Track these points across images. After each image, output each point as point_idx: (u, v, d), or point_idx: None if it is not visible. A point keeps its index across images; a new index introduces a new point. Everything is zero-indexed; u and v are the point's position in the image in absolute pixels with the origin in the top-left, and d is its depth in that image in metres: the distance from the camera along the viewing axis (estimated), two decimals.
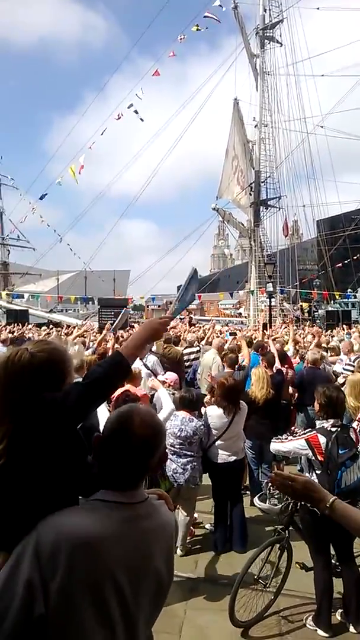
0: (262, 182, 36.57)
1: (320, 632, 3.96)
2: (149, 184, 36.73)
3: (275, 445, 4.33)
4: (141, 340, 2.02)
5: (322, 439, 3.97)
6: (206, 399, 6.20)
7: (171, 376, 6.44)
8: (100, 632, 1.58)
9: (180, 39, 33.36)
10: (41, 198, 35.14)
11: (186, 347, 10.34)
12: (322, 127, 37.09)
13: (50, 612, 1.50)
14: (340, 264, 40.60)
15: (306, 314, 37.89)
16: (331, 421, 4.07)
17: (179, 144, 36.47)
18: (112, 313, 26.48)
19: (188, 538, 5.38)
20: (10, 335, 12.69)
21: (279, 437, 4.36)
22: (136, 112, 32.88)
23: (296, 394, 8.00)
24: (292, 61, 36.84)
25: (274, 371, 6.95)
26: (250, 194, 36.09)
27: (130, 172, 37.41)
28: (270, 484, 4.38)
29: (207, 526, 5.81)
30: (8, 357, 1.80)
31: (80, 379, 1.82)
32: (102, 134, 34.15)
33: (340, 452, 3.89)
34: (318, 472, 4.00)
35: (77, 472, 1.79)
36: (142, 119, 33.02)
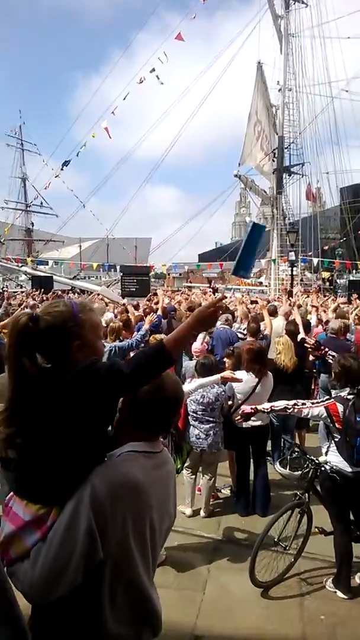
0: (286, 148, 35.77)
1: (340, 594, 4.07)
2: (174, 145, 36.04)
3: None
4: (186, 331, 1.81)
5: (340, 407, 4.02)
6: (226, 364, 6.26)
7: (198, 346, 6.48)
8: (144, 567, 1.82)
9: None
10: (64, 165, 34.84)
11: None
12: (347, 91, 35.89)
13: (108, 556, 1.68)
14: None
15: (327, 284, 37.43)
16: (347, 389, 4.11)
17: (205, 109, 35.65)
18: (135, 281, 26.54)
19: (211, 500, 5.53)
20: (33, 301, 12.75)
21: (299, 402, 4.39)
22: (157, 77, 32.24)
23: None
24: (317, 23, 35.45)
25: (298, 340, 6.95)
26: (274, 160, 35.35)
27: (155, 137, 36.80)
28: (291, 450, 4.46)
29: (223, 490, 5.97)
30: (11, 322, 1.88)
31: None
32: (124, 98, 33.59)
33: (357, 419, 3.93)
34: (337, 439, 4.06)
35: (102, 434, 1.88)
36: (162, 82, 32.34)
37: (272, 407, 4.39)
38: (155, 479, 1.87)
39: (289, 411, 4.31)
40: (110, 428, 1.95)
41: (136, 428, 1.92)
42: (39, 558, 1.67)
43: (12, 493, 1.86)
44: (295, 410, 4.26)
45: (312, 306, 10.72)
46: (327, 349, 6.97)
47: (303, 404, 4.28)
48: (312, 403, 4.30)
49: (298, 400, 4.33)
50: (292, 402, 4.29)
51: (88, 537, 1.63)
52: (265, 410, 4.45)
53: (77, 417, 1.70)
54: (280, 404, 4.35)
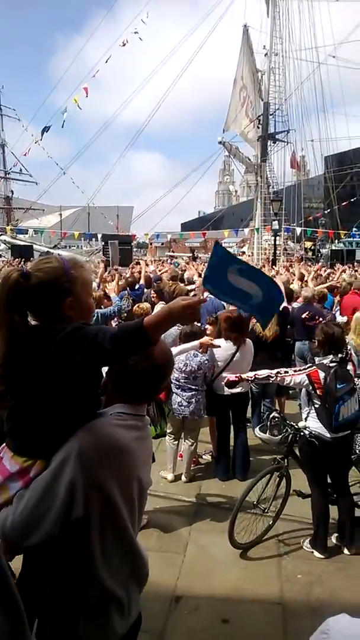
0: (271, 115, 35.32)
1: (317, 554, 4.19)
2: (157, 110, 35.33)
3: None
4: (165, 319, 1.69)
5: (322, 374, 4.07)
6: (208, 331, 6.27)
7: None
8: (129, 524, 1.83)
9: None
10: (44, 131, 33.99)
11: (186, 285, 10.33)
12: (334, 57, 35.41)
13: (93, 512, 1.70)
14: (346, 203, 39.79)
15: (310, 253, 37.51)
16: (330, 357, 4.15)
17: (190, 73, 34.79)
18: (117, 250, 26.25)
19: (192, 466, 5.62)
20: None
21: (282, 371, 4.42)
22: (136, 32, 31.40)
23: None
24: None
25: (280, 309, 6.98)
26: (258, 127, 34.91)
27: (138, 102, 36.04)
28: (271, 416, 4.52)
29: (204, 456, 6.06)
30: (1, 279, 1.83)
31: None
32: (106, 61, 32.71)
33: (338, 386, 3.99)
34: (317, 405, 4.13)
35: (91, 394, 1.87)
36: (140, 38, 31.55)
37: (256, 376, 4.43)
38: (140, 440, 1.89)
39: (272, 380, 4.36)
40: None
41: (121, 393, 1.91)
42: (20, 503, 1.70)
43: (4, 444, 1.87)
44: (278, 378, 4.31)
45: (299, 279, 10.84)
46: (321, 319, 7.10)
47: (285, 372, 4.32)
48: (295, 371, 4.35)
49: (281, 369, 4.36)
50: (275, 370, 4.33)
51: (69, 493, 1.65)
52: (249, 379, 4.49)
53: (62, 379, 1.69)
54: (263, 372, 4.39)
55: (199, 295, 1.83)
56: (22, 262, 17.33)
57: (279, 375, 4.28)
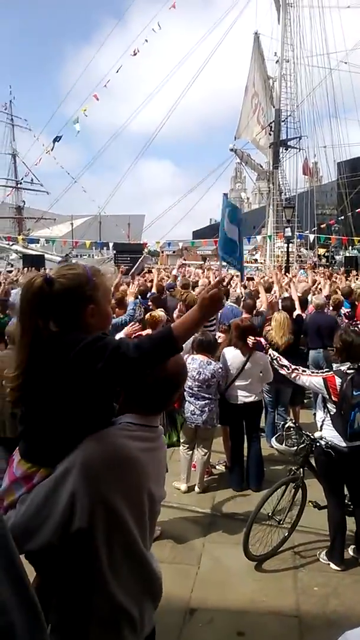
0: (283, 121, 35.29)
1: (333, 566, 4.13)
2: (168, 118, 35.48)
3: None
4: (195, 317, 1.76)
5: (338, 380, 4.03)
6: (220, 339, 6.25)
7: None
8: (139, 538, 1.79)
9: None
10: (55, 141, 34.29)
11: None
12: (346, 63, 35.29)
13: (98, 524, 1.66)
14: None
15: (324, 260, 37.28)
16: (347, 364, 4.11)
17: (201, 82, 35.08)
18: (128, 258, 26.34)
19: (205, 476, 5.57)
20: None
21: (300, 369, 4.42)
22: (147, 41, 31.76)
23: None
24: None
25: (294, 317, 6.94)
26: (270, 134, 34.91)
27: (148, 111, 36.28)
28: (286, 426, 4.48)
29: (218, 466, 6.01)
30: (25, 285, 1.84)
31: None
32: (117, 71, 33.00)
33: (354, 393, 3.94)
34: (332, 412, 4.08)
35: (104, 405, 1.87)
36: (146, 40, 31.85)
37: (279, 359, 4.50)
38: (151, 451, 1.86)
39: (288, 372, 4.38)
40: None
41: (132, 404, 1.88)
42: (22, 507, 1.72)
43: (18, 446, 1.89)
44: (294, 374, 4.31)
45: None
46: (357, 321, 7.18)
47: (303, 370, 4.36)
48: (312, 372, 4.35)
49: (299, 367, 4.37)
50: (294, 366, 4.37)
51: (69, 504, 1.64)
52: (272, 356, 4.59)
53: (78, 388, 1.69)
54: (285, 362, 4.46)
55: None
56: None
57: (295, 371, 4.30)
